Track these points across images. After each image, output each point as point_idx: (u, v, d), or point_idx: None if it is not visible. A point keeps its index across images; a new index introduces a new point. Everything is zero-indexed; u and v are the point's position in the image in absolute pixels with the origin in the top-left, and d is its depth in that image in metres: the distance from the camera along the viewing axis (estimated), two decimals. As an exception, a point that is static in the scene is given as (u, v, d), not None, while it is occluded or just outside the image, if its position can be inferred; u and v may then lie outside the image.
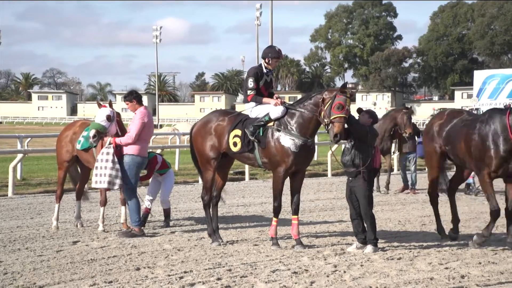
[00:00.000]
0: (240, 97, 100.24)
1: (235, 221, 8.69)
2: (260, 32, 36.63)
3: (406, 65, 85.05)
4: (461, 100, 75.61)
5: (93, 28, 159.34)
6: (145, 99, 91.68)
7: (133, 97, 7.55)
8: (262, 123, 6.63)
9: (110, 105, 7.64)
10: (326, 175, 15.72)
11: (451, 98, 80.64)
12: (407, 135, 11.76)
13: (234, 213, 9.52)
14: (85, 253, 6.46)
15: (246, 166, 14.71)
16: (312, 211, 9.72)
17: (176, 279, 5.32)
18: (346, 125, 6.42)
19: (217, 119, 6.98)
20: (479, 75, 65.60)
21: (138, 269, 5.74)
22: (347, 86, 6.46)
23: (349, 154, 6.52)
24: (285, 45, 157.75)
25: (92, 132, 7.29)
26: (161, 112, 72.27)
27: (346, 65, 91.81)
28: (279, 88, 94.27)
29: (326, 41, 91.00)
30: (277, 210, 6.70)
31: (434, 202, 7.42)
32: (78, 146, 7.75)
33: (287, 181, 6.76)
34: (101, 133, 7.33)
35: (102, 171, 7.29)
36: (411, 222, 8.49)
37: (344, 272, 5.58)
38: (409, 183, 12.23)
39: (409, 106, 12.59)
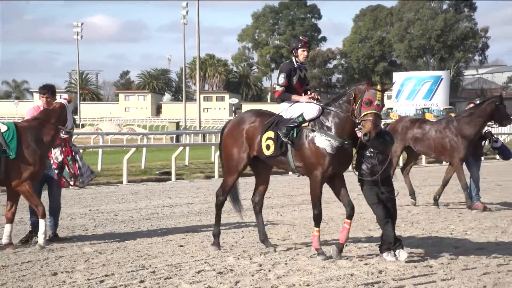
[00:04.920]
0: (167, 96, 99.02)
1: (161, 222, 8.53)
2: (193, 31, 36.34)
3: (331, 66, 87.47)
4: (382, 101, 78.60)
5: (16, 24, 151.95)
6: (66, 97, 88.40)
7: (52, 91, 7.03)
8: (296, 124, 6.15)
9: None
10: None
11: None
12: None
13: (160, 214, 9.34)
14: (-3, 260, 6.09)
15: (173, 166, 14.52)
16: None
17: (97, 283, 5.14)
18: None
19: (250, 120, 6.51)
20: (397, 77, 68.50)
21: (55, 274, 5.48)
22: (373, 79, 5.97)
23: (373, 162, 5.91)
24: (216, 44, 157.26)
25: None
26: (83, 111, 69.99)
27: (273, 66, 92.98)
28: (206, 87, 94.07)
29: (253, 41, 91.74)
30: (317, 218, 6.15)
31: None
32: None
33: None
34: None
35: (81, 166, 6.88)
36: (334, 220, 8.67)
37: (269, 271, 5.62)
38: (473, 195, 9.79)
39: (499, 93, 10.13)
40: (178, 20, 39.23)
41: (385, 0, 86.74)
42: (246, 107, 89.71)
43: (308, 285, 5.14)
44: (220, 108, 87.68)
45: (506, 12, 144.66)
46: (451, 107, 65.48)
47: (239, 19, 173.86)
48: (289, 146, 6.15)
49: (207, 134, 31.44)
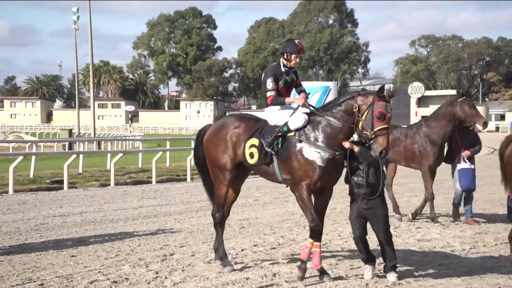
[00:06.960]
0: (58, 103, 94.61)
1: (51, 233, 8.15)
2: (88, 37, 34.99)
3: (227, 75, 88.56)
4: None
5: None
6: None
7: None
8: (281, 134, 5.64)
9: None
10: (150, 182, 15.58)
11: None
12: (481, 128, 8.61)
13: (50, 224, 8.93)
14: None
15: (65, 174, 13.92)
16: (136, 218, 9.56)
17: (-21, 300, 4.83)
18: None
19: (233, 125, 5.99)
20: (292, 87, 70.32)
21: None
22: (385, 88, 5.34)
23: (362, 174, 5.49)
24: (112, 51, 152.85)
25: None
26: (-41, 118, 64.97)
27: (170, 73, 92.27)
28: (101, 94, 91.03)
29: (149, 49, 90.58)
30: (314, 229, 5.47)
31: None
32: None
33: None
34: None
35: None
36: (231, 226, 8.78)
37: (166, 278, 5.59)
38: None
39: (467, 91, 8.72)
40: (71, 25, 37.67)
41: (276, 1, 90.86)
42: (143, 114, 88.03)
43: (204, 290, 5.19)
44: (116, 116, 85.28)
45: (383, 30, 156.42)
46: None
47: (135, 27, 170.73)
48: (274, 157, 5.68)
49: (103, 142, 30.46)
